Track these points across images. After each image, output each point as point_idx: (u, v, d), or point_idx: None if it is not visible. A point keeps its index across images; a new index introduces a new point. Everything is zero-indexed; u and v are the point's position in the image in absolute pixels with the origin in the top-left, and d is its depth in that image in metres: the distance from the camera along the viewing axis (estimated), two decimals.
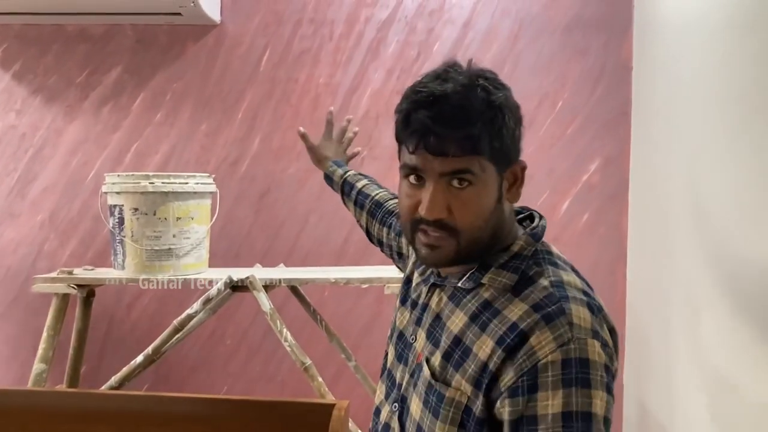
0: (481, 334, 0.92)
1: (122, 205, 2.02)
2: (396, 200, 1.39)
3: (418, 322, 1.05)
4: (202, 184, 2.09)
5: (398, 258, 1.37)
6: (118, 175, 2.06)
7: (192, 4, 2.42)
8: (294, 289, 2.26)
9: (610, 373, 0.89)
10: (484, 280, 0.96)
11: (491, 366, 0.89)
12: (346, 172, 1.57)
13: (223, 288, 1.98)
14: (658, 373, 2.08)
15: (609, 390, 0.87)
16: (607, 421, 0.86)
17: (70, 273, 2.07)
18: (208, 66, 2.66)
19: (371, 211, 1.45)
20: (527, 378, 0.85)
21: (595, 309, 0.91)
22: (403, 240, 1.31)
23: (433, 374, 0.96)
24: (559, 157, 2.50)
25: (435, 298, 1.03)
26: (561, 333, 0.86)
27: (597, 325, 0.89)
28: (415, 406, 0.99)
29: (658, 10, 2.22)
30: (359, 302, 2.65)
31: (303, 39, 2.63)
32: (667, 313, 2.01)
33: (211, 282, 2.03)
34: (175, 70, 2.67)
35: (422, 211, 0.93)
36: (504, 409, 0.87)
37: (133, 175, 2.04)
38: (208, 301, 2.00)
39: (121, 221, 2.02)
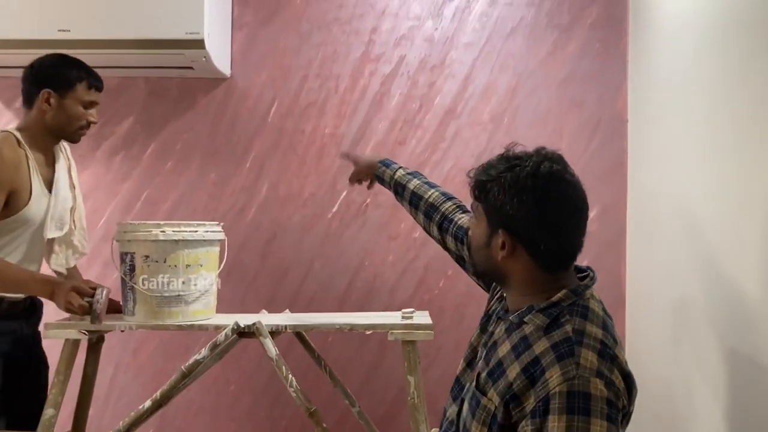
0: (514, 360, 1.16)
1: (134, 253, 2.07)
2: (452, 202, 1.68)
3: (485, 345, 1.32)
4: (211, 232, 2.14)
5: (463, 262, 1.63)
6: (130, 223, 2.12)
7: (204, 59, 2.53)
8: (299, 334, 2.30)
9: (614, 406, 1.08)
10: (526, 319, 1.20)
11: (515, 387, 1.13)
12: (395, 172, 1.80)
13: (230, 334, 2.02)
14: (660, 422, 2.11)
15: (610, 419, 1.06)
16: None
17: (82, 319, 2.11)
18: (217, 117, 2.76)
19: (427, 213, 1.70)
20: (542, 404, 1.08)
21: (606, 356, 1.12)
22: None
23: (477, 385, 1.22)
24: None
25: (498, 329, 1.29)
26: (568, 370, 1.08)
27: (604, 368, 1.10)
28: (465, 407, 1.25)
29: (651, 66, 2.32)
30: (362, 348, 2.69)
31: (309, 92, 2.73)
32: (666, 357, 2.05)
33: (218, 328, 2.07)
34: (185, 121, 2.76)
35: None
36: (527, 428, 1.09)
37: (145, 223, 2.10)
38: (215, 347, 2.04)
39: (132, 268, 2.08)
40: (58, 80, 1.96)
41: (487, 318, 1.42)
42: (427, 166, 2.68)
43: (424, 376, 2.22)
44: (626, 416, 1.14)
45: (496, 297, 1.42)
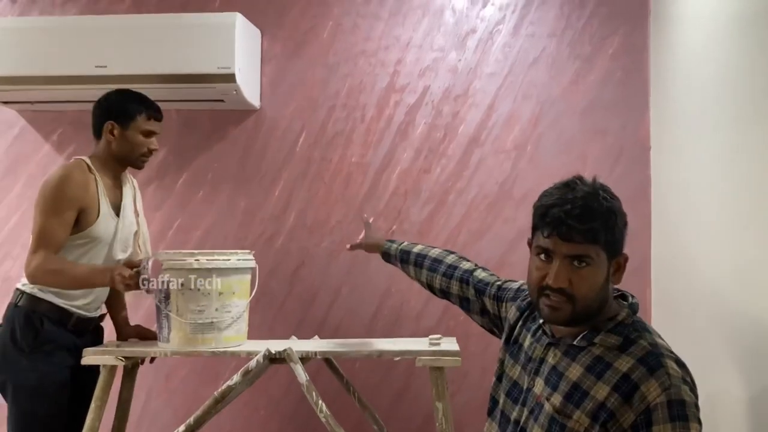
0: (597, 381, 1.23)
1: (169, 281, 2.14)
2: (455, 255, 1.83)
3: (536, 372, 1.36)
4: (243, 260, 2.20)
5: (480, 312, 1.71)
6: (165, 252, 2.19)
7: (234, 92, 2.61)
8: (328, 360, 2.34)
9: (698, 409, 1.20)
10: (596, 340, 1.27)
11: (609, 405, 1.20)
12: (400, 244, 1.94)
13: (261, 360, 2.06)
14: None
15: (700, 422, 1.19)
16: None
17: (118, 346, 2.18)
18: (247, 147, 2.83)
19: (431, 267, 1.81)
20: (643, 416, 1.17)
21: (681, 363, 1.24)
22: (488, 300, 1.66)
23: (555, 410, 1.27)
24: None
25: (551, 354, 1.34)
26: (663, 381, 1.19)
27: (685, 375, 1.22)
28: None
29: (673, 94, 2.35)
30: (390, 374, 2.72)
31: (336, 122, 2.80)
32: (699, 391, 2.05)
33: (250, 354, 2.12)
34: (216, 152, 2.85)
35: (549, 280, 1.27)
36: None
37: (179, 252, 2.17)
38: (247, 372, 2.09)
39: (167, 296, 2.14)
40: (120, 113, 2.12)
41: (515, 347, 1.48)
42: (451, 193, 2.73)
43: (451, 402, 2.25)
44: None
45: (518, 324, 1.50)
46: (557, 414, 1.26)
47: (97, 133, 2.15)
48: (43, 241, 2.00)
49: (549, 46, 2.70)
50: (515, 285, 1.63)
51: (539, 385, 1.34)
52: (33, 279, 2.01)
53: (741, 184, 1.70)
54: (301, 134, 2.82)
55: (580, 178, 1.32)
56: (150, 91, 2.61)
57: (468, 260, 1.81)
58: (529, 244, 1.37)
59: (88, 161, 2.12)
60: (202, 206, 2.85)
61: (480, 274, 1.73)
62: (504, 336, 1.54)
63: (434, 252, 1.85)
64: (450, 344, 2.12)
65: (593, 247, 1.24)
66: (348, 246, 2.08)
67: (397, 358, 2.10)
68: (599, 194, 1.27)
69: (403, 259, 1.90)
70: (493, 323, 1.69)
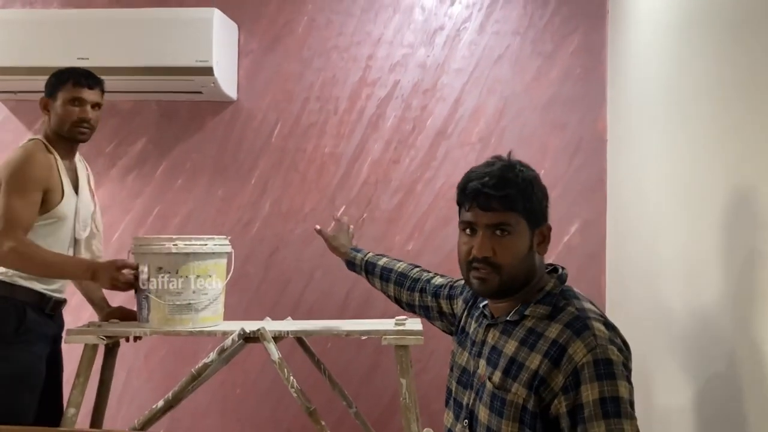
0: (530, 352, 1.26)
1: (147, 265, 2.26)
2: (418, 268, 1.82)
3: (479, 354, 1.39)
4: (219, 245, 2.32)
5: (438, 316, 1.73)
6: (145, 237, 2.30)
7: (212, 84, 2.72)
8: (300, 340, 2.47)
9: (628, 368, 1.23)
10: (527, 312, 1.31)
11: (541, 372, 1.23)
12: (365, 255, 1.94)
13: (236, 339, 2.19)
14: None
15: (628, 380, 1.21)
16: (631, 403, 1.20)
17: (99, 326, 2.29)
18: (224, 138, 2.95)
19: (398, 282, 1.82)
20: (572, 378, 1.20)
21: (609, 326, 1.27)
22: (443, 301, 1.68)
23: (495, 386, 1.30)
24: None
25: (491, 335, 1.38)
26: (588, 342, 1.21)
27: (613, 336, 1.24)
28: (484, 414, 1.33)
29: (628, 90, 2.50)
30: (360, 353, 2.86)
31: (310, 114, 2.92)
32: (644, 365, 2.20)
33: (225, 333, 2.24)
34: (194, 142, 2.96)
35: (475, 251, 1.31)
36: (561, 404, 1.21)
37: (158, 237, 2.28)
38: (222, 351, 2.21)
39: (147, 279, 2.26)
40: (49, 86, 2.14)
41: (461, 336, 1.52)
42: (419, 183, 2.87)
43: (417, 379, 2.39)
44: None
45: (464, 314, 1.55)
46: (497, 390, 1.29)
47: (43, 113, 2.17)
48: (11, 222, 1.99)
49: (513, 43, 2.84)
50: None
51: (482, 367, 1.37)
52: (3, 262, 2.02)
53: (685, 175, 1.83)
54: (276, 125, 2.94)
55: (498, 157, 1.38)
56: (130, 83, 2.74)
57: (429, 271, 1.82)
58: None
59: (44, 140, 2.12)
60: (181, 194, 2.96)
61: (437, 280, 1.75)
62: (454, 329, 1.59)
63: (400, 266, 1.85)
64: (414, 324, 2.25)
65: (512, 214, 1.29)
66: (316, 227, 2.08)
67: (364, 337, 2.22)
68: (515, 166, 1.33)
69: (369, 271, 1.92)
70: (450, 322, 1.70)
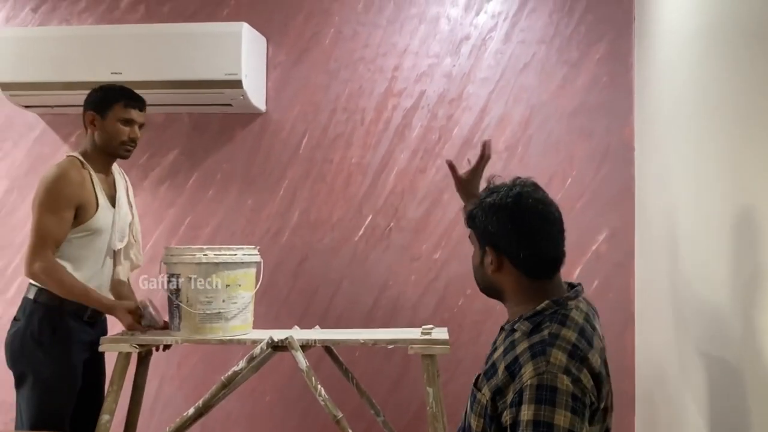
0: (502, 362, 1.34)
1: (179, 274, 2.31)
2: None
3: (491, 355, 1.47)
4: (248, 255, 2.36)
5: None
6: (176, 248, 2.36)
7: (241, 97, 2.78)
8: (328, 348, 2.50)
9: (579, 401, 1.24)
10: (516, 326, 1.39)
11: (499, 382, 1.31)
12: None
13: (265, 347, 2.23)
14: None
15: (575, 411, 1.22)
16: None
17: (132, 334, 2.35)
18: (253, 149, 3.00)
19: None
20: (517, 395, 1.26)
21: (576, 357, 1.28)
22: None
23: (475, 383, 1.41)
24: (569, 229, 2.69)
25: (499, 338, 1.47)
26: (538, 366, 1.26)
27: (572, 367, 1.26)
28: (468, 403, 1.44)
29: (655, 97, 2.48)
30: (387, 362, 2.88)
31: (338, 125, 2.96)
32: (673, 372, 2.19)
33: (254, 342, 2.28)
34: (225, 153, 3.02)
35: None
36: (507, 417, 1.28)
37: (189, 247, 2.34)
38: (252, 359, 2.25)
39: (178, 288, 2.31)
40: (98, 103, 2.20)
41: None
42: (446, 192, 2.88)
43: (445, 389, 2.40)
44: (596, 412, 1.29)
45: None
46: (474, 388, 1.41)
47: (86, 128, 2.23)
48: (42, 239, 2.09)
49: (539, 52, 2.85)
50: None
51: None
52: (33, 277, 2.11)
53: (712, 184, 1.82)
54: (304, 136, 2.98)
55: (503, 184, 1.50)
56: (162, 96, 2.80)
57: None
58: None
59: (80, 157, 2.19)
60: (212, 204, 3.02)
61: None
62: None
63: None
64: (441, 333, 2.26)
65: (471, 230, 1.48)
66: (448, 160, 2.09)
67: (391, 346, 2.24)
68: (493, 192, 1.45)
69: None
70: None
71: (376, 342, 2.24)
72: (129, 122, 2.21)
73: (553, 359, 1.26)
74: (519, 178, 1.47)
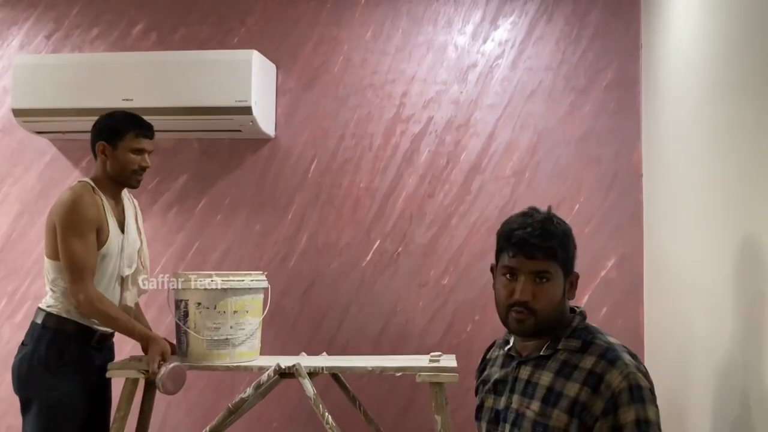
0: (566, 382, 1.41)
1: (187, 300, 2.31)
2: None
3: (512, 389, 1.51)
4: (256, 281, 2.37)
5: None
6: (185, 273, 2.36)
7: (251, 123, 2.80)
8: (335, 375, 2.48)
9: (654, 393, 1.39)
10: (560, 346, 1.46)
11: (581, 399, 1.38)
12: None
13: (272, 374, 2.22)
14: None
15: (655, 403, 1.37)
16: (659, 426, 1.36)
17: (139, 360, 2.34)
18: (263, 174, 3.02)
19: None
20: (610, 403, 1.35)
21: (633, 356, 1.44)
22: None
23: (537, 414, 1.42)
24: (578, 256, 2.73)
25: (522, 371, 1.50)
26: (622, 370, 1.37)
27: (638, 364, 1.41)
28: None
29: (663, 124, 2.49)
30: (395, 389, 2.86)
31: (346, 150, 2.98)
32: (684, 401, 2.16)
33: (261, 369, 2.27)
34: (234, 178, 3.03)
35: (516, 295, 1.44)
36: (603, 426, 1.35)
37: (198, 273, 2.34)
38: (259, 386, 2.24)
39: (186, 314, 2.31)
40: (109, 133, 2.22)
41: (483, 387, 1.62)
42: (454, 217, 2.88)
43: (453, 416, 2.38)
44: None
45: (480, 377, 1.67)
46: (539, 417, 1.41)
47: (94, 155, 2.25)
48: (78, 270, 2.10)
49: (546, 78, 2.86)
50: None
51: (517, 400, 1.49)
52: (82, 308, 2.12)
53: (721, 211, 1.82)
54: (313, 161, 3.00)
55: (534, 208, 1.51)
56: (172, 123, 2.83)
57: None
58: (492, 269, 1.56)
59: (91, 182, 2.21)
60: (220, 229, 3.03)
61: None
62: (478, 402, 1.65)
63: None
64: (449, 361, 2.25)
65: (552, 263, 1.44)
66: None
67: (399, 374, 2.23)
68: (553, 219, 1.48)
69: None
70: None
71: (383, 369, 2.23)
72: (140, 151, 2.22)
73: (627, 361, 1.38)
74: (549, 206, 1.53)
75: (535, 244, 1.43)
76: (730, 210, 1.71)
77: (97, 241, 2.15)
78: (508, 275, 1.47)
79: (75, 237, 2.10)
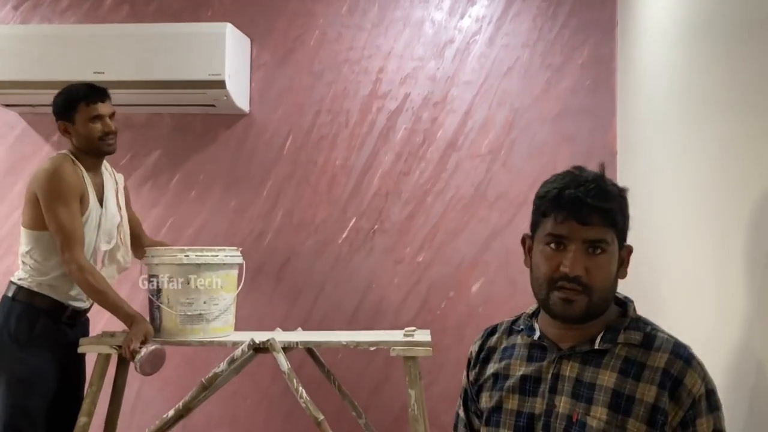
0: (638, 383, 1.14)
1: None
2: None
3: (554, 390, 1.20)
4: (230, 256, 2.36)
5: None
6: (158, 249, 2.34)
7: (225, 98, 2.77)
8: (310, 351, 2.49)
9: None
10: (620, 340, 1.17)
11: (661, 405, 1.12)
12: None
13: (246, 349, 2.22)
14: None
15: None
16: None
17: (112, 335, 2.32)
18: (237, 150, 2.99)
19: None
20: (691, 410, 1.12)
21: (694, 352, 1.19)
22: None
23: (606, 422, 1.14)
24: None
25: (566, 367, 1.20)
26: (699, 372, 1.14)
27: (704, 365, 1.17)
28: None
29: (637, 102, 2.50)
30: (370, 364, 2.87)
31: (322, 126, 2.96)
32: None
33: (235, 344, 2.27)
34: (208, 154, 3.00)
35: (565, 268, 1.15)
36: None
37: (170, 248, 2.32)
38: (233, 361, 2.24)
39: (159, 289, 2.29)
40: (62, 110, 2.20)
41: (505, 378, 1.28)
42: (429, 194, 2.88)
43: (427, 391, 2.40)
44: None
45: (483, 366, 1.33)
46: (608, 426, 1.14)
47: (62, 134, 2.24)
48: (69, 237, 2.08)
49: (522, 56, 2.86)
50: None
51: (565, 403, 1.19)
52: (73, 276, 2.10)
53: (695, 187, 1.83)
54: (288, 138, 2.97)
55: (580, 166, 1.24)
56: (144, 96, 2.79)
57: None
58: (523, 242, 1.27)
59: (71, 155, 2.20)
60: (195, 205, 3.00)
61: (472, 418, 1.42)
62: (473, 392, 1.36)
63: None
64: (423, 336, 2.27)
65: (610, 231, 1.16)
66: None
67: (373, 348, 2.24)
68: (606, 178, 1.21)
69: None
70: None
71: (358, 344, 2.24)
72: (98, 118, 2.18)
73: (699, 361, 1.16)
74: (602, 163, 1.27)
75: (593, 205, 1.13)
76: (706, 185, 1.73)
77: (81, 210, 2.14)
78: (552, 245, 1.17)
79: (61, 205, 2.08)
